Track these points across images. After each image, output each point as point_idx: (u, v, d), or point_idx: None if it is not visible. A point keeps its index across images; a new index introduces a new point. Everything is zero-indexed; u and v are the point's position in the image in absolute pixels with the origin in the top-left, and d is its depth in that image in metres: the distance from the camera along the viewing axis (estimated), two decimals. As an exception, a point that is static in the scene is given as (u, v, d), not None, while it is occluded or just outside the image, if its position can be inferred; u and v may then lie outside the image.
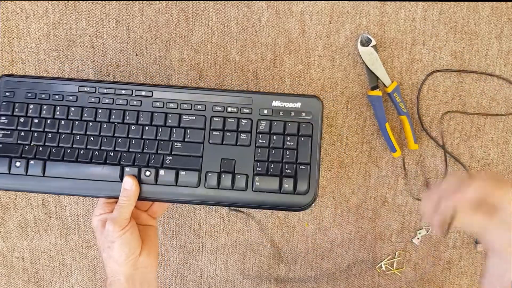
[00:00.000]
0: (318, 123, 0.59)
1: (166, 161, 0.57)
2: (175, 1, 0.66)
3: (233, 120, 0.58)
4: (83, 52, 0.66)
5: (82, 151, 0.57)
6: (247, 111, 0.59)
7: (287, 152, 0.58)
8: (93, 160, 0.56)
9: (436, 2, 0.69)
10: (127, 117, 0.57)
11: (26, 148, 0.56)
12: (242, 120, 0.58)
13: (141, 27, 0.68)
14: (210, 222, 0.72)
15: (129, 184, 0.56)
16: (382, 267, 0.75)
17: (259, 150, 0.58)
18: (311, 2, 0.67)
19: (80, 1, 0.64)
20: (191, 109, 0.58)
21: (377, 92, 0.69)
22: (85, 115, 0.57)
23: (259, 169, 0.58)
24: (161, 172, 0.57)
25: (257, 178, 0.57)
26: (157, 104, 0.58)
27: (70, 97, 0.57)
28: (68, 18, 0.64)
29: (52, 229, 0.71)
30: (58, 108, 0.57)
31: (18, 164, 0.56)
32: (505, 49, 0.71)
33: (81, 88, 0.57)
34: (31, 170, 0.56)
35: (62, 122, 0.57)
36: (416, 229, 0.75)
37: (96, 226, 0.56)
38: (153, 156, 0.57)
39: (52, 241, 0.72)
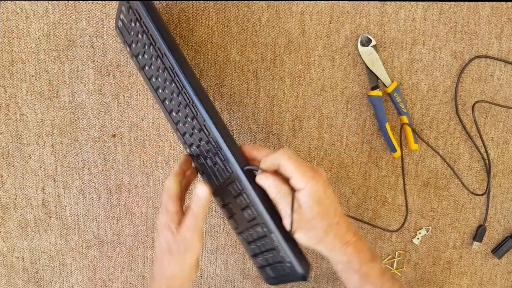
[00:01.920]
0: None
1: None
2: (175, 1, 0.66)
3: None
4: (83, 52, 0.66)
5: None
6: None
7: None
8: None
9: (436, 2, 0.69)
10: None
11: None
12: None
13: (141, 27, 0.68)
14: (210, 222, 0.72)
15: (202, 191, 0.54)
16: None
17: None
18: (311, 2, 0.67)
19: (80, 1, 0.64)
20: None
21: (377, 92, 0.69)
22: None
23: None
24: None
25: None
26: None
27: None
28: (68, 18, 0.64)
29: (52, 229, 0.71)
30: None
31: None
32: (505, 49, 0.71)
33: None
34: None
35: None
36: (416, 229, 0.75)
37: (169, 226, 0.55)
38: None
39: (52, 241, 0.72)
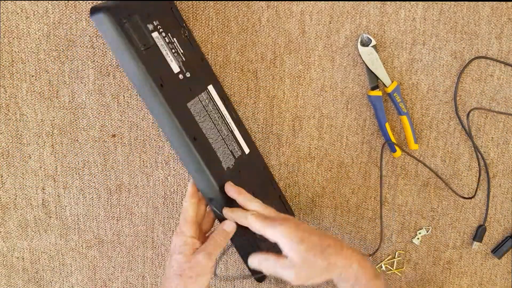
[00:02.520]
0: None
1: None
2: (175, 1, 0.66)
3: None
4: (83, 52, 0.66)
5: None
6: None
7: None
8: None
9: (436, 2, 0.69)
10: None
11: None
12: None
13: (141, 27, 0.68)
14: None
15: (231, 228, 0.55)
16: (382, 267, 0.75)
17: None
18: (311, 2, 0.67)
19: (80, 1, 0.64)
20: None
21: (377, 92, 0.69)
22: None
23: None
24: None
25: None
26: None
27: None
28: (68, 18, 0.64)
29: (52, 229, 0.71)
30: None
31: None
32: (505, 49, 0.71)
33: None
34: None
35: None
36: (416, 229, 0.75)
37: (183, 249, 0.55)
38: None
39: (52, 241, 0.72)
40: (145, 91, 0.58)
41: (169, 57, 0.60)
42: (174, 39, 0.61)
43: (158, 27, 0.59)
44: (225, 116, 0.65)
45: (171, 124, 0.58)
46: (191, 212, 0.57)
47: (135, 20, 0.57)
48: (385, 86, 0.69)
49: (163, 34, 0.60)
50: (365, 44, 0.68)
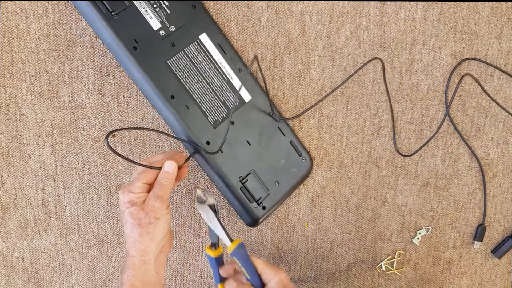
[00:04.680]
0: None
1: None
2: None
3: None
4: (83, 52, 0.66)
5: None
6: None
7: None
8: None
9: (436, 2, 0.69)
10: None
11: None
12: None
13: (141, 27, 0.68)
14: (210, 222, 0.72)
15: (171, 167, 0.56)
16: (382, 267, 0.75)
17: None
18: (311, 2, 0.67)
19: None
20: None
21: (211, 252, 0.58)
22: None
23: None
24: None
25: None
26: None
27: None
28: (68, 18, 0.64)
29: (52, 229, 0.71)
30: None
31: None
32: (505, 49, 0.71)
33: None
34: None
35: None
36: (416, 229, 0.75)
37: (134, 202, 0.55)
38: None
39: (52, 241, 0.72)
40: (118, 56, 0.60)
41: (148, 14, 0.60)
42: None
43: None
44: (220, 65, 0.64)
45: (146, 85, 0.60)
46: (140, 176, 0.56)
47: None
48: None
49: None
50: (201, 201, 0.58)
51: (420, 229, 0.75)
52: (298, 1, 0.67)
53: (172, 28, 0.62)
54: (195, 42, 0.63)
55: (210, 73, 0.64)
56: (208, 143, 0.63)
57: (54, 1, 0.64)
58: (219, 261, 0.59)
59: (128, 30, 0.59)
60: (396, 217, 0.74)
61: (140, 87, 0.62)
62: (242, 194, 0.65)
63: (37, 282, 0.73)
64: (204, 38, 0.64)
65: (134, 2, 0.59)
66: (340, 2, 0.67)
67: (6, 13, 0.64)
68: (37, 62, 0.66)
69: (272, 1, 0.67)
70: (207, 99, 0.63)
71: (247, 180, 0.66)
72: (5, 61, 0.65)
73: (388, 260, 0.75)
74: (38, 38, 0.65)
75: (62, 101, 0.67)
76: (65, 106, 0.67)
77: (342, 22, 0.68)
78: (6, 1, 0.64)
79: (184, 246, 0.72)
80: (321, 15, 0.68)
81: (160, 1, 0.61)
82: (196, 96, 0.62)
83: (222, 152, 0.63)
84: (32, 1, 0.64)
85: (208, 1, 0.66)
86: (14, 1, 0.64)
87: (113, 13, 0.58)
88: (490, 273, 0.77)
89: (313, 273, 0.75)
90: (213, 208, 0.57)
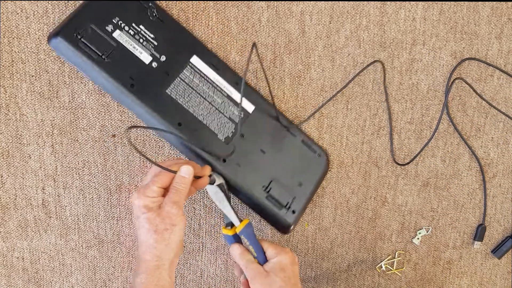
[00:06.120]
0: None
1: None
2: (175, 1, 0.66)
3: None
4: (83, 52, 0.66)
5: None
6: None
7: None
8: None
9: (436, 2, 0.69)
10: None
11: None
12: None
13: (141, 27, 0.68)
14: (210, 222, 0.72)
15: (188, 172, 0.56)
16: (382, 267, 0.75)
17: None
18: (311, 2, 0.67)
19: (80, 1, 0.64)
20: None
21: (228, 231, 0.61)
22: None
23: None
24: None
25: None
26: None
27: None
28: (68, 18, 0.64)
29: (52, 229, 0.71)
30: None
31: None
32: (505, 49, 0.71)
33: None
34: None
35: None
36: (416, 229, 0.75)
37: (150, 207, 0.54)
38: None
39: (52, 241, 0.72)
40: (117, 96, 0.60)
41: (137, 50, 0.60)
42: (140, 26, 0.61)
43: (119, 23, 0.59)
44: (216, 83, 0.64)
45: (151, 118, 0.60)
46: (164, 183, 0.56)
47: (91, 31, 0.58)
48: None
49: (126, 28, 0.60)
50: (210, 182, 0.60)
51: (420, 229, 0.75)
52: (298, 1, 0.67)
53: (163, 58, 0.62)
54: (188, 66, 0.64)
55: (210, 93, 0.64)
56: (224, 160, 0.63)
57: (54, 1, 0.64)
58: (236, 239, 0.61)
59: (122, 69, 0.59)
60: (396, 217, 0.74)
61: (146, 121, 0.62)
62: (269, 202, 0.65)
63: (37, 282, 0.73)
64: (195, 60, 0.64)
65: (120, 41, 0.60)
66: (340, 2, 0.67)
67: (6, 13, 0.64)
68: (37, 62, 0.66)
69: (272, 1, 0.67)
70: (213, 118, 0.63)
71: (271, 188, 0.66)
72: (5, 61, 0.65)
73: (388, 260, 0.75)
74: (38, 38, 0.65)
75: (62, 101, 0.67)
76: (65, 106, 0.67)
77: (342, 22, 0.68)
78: (6, 1, 0.64)
79: (184, 246, 0.73)
80: (321, 15, 0.68)
81: (145, 35, 0.62)
82: (202, 118, 0.62)
83: (239, 166, 0.64)
84: (32, 1, 0.64)
85: (208, 1, 0.66)
86: (14, 1, 0.64)
87: (103, 57, 0.58)
88: (490, 273, 0.77)
89: (313, 273, 0.75)
90: (222, 188, 0.59)
